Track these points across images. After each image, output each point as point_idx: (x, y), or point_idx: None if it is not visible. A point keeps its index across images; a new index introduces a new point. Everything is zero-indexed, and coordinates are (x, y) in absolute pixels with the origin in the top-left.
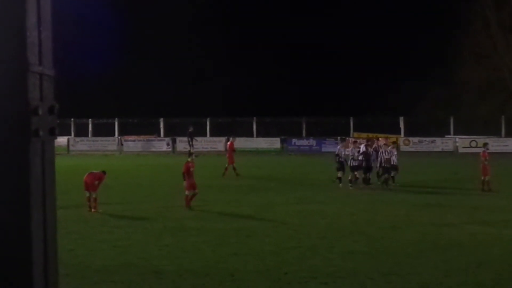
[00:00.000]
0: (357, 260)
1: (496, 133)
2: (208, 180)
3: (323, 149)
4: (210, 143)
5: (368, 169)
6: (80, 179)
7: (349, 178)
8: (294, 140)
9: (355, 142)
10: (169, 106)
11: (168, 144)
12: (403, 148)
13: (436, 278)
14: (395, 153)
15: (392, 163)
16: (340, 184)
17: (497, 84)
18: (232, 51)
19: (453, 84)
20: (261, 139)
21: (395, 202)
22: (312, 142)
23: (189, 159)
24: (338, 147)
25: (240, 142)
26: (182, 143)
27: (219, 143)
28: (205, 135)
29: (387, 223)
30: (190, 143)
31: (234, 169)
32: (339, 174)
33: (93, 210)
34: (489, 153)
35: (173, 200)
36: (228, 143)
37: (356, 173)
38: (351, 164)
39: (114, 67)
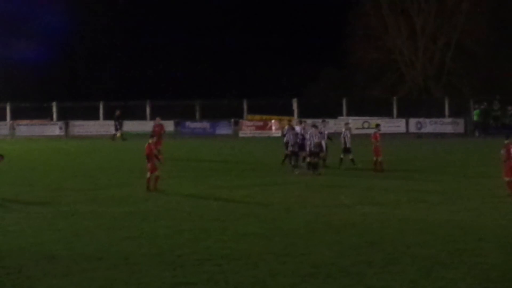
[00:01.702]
0: (250, 241)
1: (388, 114)
2: (100, 163)
3: (217, 132)
4: (103, 127)
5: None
6: None
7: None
8: (187, 123)
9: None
10: (62, 90)
11: (61, 128)
12: (297, 129)
13: (329, 258)
14: (349, 135)
15: (345, 146)
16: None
17: (389, 66)
18: (124, 33)
19: (346, 66)
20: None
21: (289, 184)
22: (205, 124)
23: (150, 141)
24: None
25: (133, 126)
26: (75, 127)
27: (112, 127)
28: (97, 118)
29: (280, 204)
30: (118, 126)
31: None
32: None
33: None
34: (381, 134)
35: (66, 184)
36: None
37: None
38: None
39: (4, 50)
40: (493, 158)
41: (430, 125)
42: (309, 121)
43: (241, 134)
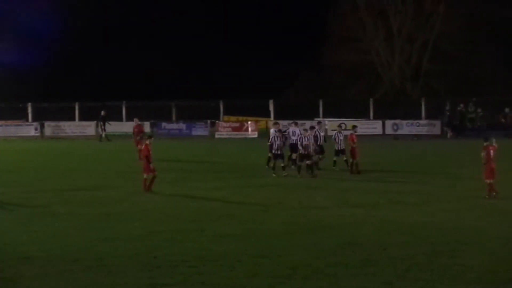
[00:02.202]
0: (227, 243)
1: (364, 115)
2: (76, 164)
3: (193, 133)
4: (79, 128)
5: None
6: None
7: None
8: (164, 124)
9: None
10: (38, 90)
11: (36, 129)
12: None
13: (305, 259)
14: (342, 137)
15: (338, 148)
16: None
17: (366, 67)
18: (99, 34)
19: (322, 67)
20: (130, 123)
21: (266, 185)
22: (182, 125)
23: (147, 142)
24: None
25: (109, 127)
26: (50, 128)
27: (88, 128)
28: (74, 119)
29: (257, 206)
30: (103, 127)
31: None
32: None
33: None
34: (357, 135)
35: (42, 185)
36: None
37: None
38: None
39: None
40: (469, 160)
41: (406, 127)
42: (286, 122)
43: (217, 135)
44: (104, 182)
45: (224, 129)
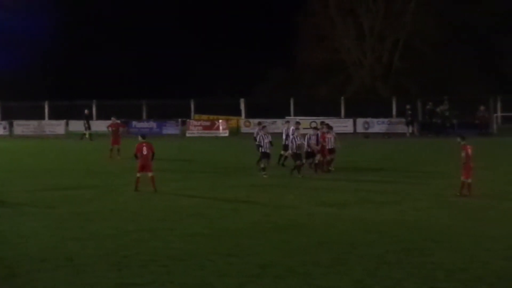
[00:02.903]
0: (197, 242)
1: (335, 114)
2: (46, 164)
3: (164, 132)
4: (49, 127)
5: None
6: None
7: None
8: (134, 123)
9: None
10: (6, 89)
11: (5, 128)
12: (244, 129)
13: (276, 258)
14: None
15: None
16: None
17: (337, 66)
18: (68, 32)
19: (294, 66)
20: (100, 122)
21: (236, 184)
22: (152, 124)
23: (139, 139)
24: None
25: (79, 126)
26: (19, 127)
27: (57, 127)
28: (43, 118)
29: (227, 205)
30: (86, 125)
31: (111, 150)
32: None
33: None
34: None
35: (11, 185)
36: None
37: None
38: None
39: None
40: (440, 158)
41: (377, 125)
42: (256, 120)
43: (188, 134)
44: (74, 181)
45: (195, 128)
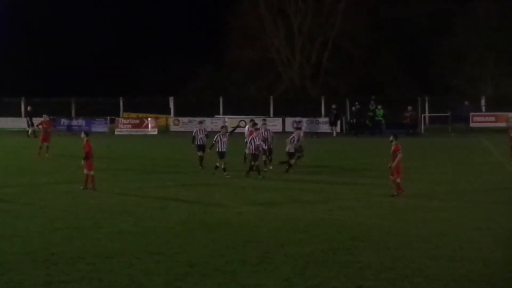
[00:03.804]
0: (125, 240)
1: (265, 113)
2: None
3: (93, 129)
4: None
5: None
6: None
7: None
8: (63, 120)
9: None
10: None
11: None
12: (173, 128)
13: (203, 256)
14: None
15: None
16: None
17: (266, 65)
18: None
19: (223, 64)
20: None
21: (165, 182)
22: (81, 122)
23: (87, 138)
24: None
25: (7, 123)
26: None
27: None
28: None
29: (155, 203)
30: (29, 122)
31: (40, 148)
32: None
33: None
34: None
35: None
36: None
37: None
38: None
39: None
40: (368, 157)
41: (306, 124)
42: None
43: (117, 132)
44: (2, 178)
45: (124, 126)
